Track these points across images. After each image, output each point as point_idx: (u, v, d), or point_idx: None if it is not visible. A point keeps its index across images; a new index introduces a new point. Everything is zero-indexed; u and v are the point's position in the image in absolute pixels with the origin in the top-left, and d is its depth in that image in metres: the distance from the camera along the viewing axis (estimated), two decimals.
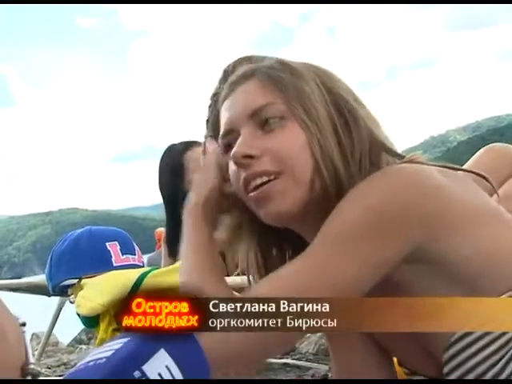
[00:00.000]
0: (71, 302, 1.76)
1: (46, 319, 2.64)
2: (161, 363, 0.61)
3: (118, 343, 0.62)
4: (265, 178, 0.89)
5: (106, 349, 0.62)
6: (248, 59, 1.06)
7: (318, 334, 2.59)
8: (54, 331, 2.93)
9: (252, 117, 0.91)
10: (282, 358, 2.57)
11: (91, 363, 0.60)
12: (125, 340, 0.63)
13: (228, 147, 0.94)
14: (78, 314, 1.67)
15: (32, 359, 0.46)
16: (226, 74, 1.83)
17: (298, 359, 2.55)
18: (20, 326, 0.47)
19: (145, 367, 0.60)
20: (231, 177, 0.94)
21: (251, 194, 0.90)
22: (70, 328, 3.69)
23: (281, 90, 0.92)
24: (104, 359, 0.60)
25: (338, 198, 0.87)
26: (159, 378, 0.60)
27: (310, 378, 2.16)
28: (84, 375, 0.59)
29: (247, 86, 0.94)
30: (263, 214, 0.91)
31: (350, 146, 0.91)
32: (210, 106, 1.86)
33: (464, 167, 1.64)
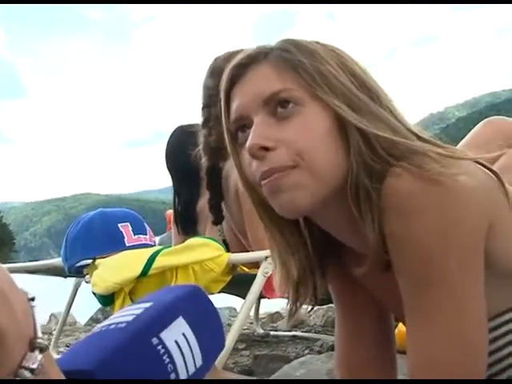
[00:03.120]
0: (87, 282, 1.81)
1: (63, 300, 2.68)
2: (178, 331, 0.60)
3: (139, 308, 0.62)
4: (281, 173, 0.83)
5: (127, 312, 0.62)
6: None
7: (325, 307, 2.64)
8: (71, 312, 2.96)
9: (266, 104, 0.86)
10: (292, 331, 2.62)
11: (112, 326, 0.60)
12: (147, 305, 0.62)
13: (240, 133, 0.90)
14: (94, 293, 1.71)
15: (40, 333, 0.44)
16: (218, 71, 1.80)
17: (306, 331, 2.59)
18: (28, 301, 0.45)
19: (162, 334, 0.59)
20: (246, 166, 0.89)
21: (265, 182, 0.85)
22: (86, 308, 3.73)
23: (298, 73, 0.86)
24: (124, 324, 0.60)
25: (370, 180, 0.82)
26: (175, 345, 0.59)
27: (318, 348, 2.21)
28: (105, 338, 0.59)
29: (260, 70, 0.88)
30: (277, 206, 0.86)
31: (383, 129, 0.84)
32: (208, 93, 1.84)
33: (462, 141, 1.68)
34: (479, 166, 0.86)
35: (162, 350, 0.58)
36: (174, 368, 0.59)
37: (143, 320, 0.60)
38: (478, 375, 0.80)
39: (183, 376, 0.60)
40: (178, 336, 0.60)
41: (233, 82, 0.91)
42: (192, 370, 0.61)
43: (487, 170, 0.87)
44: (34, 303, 0.45)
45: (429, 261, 0.78)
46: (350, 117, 0.83)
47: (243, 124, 0.89)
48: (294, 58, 0.87)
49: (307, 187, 0.83)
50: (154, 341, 0.58)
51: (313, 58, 0.87)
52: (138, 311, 0.61)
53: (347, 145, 0.84)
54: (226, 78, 0.92)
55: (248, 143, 0.85)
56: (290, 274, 0.96)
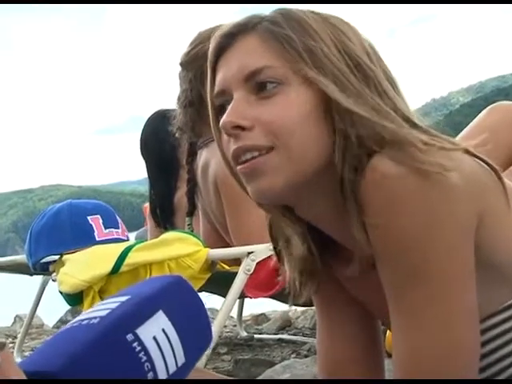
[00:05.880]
0: (53, 280, 1.75)
1: (29, 300, 2.60)
2: (157, 326, 0.58)
3: (116, 301, 0.59)
4: (255, 153, 0.81)
5: (103, 307, 0.59)
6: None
7: (314, 309, 2.60)
8: (38, 313, 2.90)
9: (247, 80, 0.83)
10: (278, 334, 2.57)
11: (85, 322, 0.57)
12: (124, 299, 0.60)
13: (222, 109, 0.87)
14: (61, 292, 1.65)
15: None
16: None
17: (294, 334, 2.54)
18: None
19: (139, 330, 0.56)
20: (224, 146, 0.87)
21: (239, 167, 0.83)
22: (54, 309, 3.65)
23: (285, 48, 0.83)
24: (98, 319, 0.57)
25: (355, 169, 0.79)
26: (153, 342, 0.57)
27: (305, 352, 2.13)
28: (75, 335, 0.56)
29: (246, 42, 0.86)
30: (251, 191, 0.84)
31: (371, 115, 0.81)
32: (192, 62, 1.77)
33: (466, 129, 1.58)
34: (474, 158, 0.83)
35: (138, 348, 0.56)
36: (151, 367, 0.56)
37: (117, 314, 0.57)
38: (469, 377, 0.78)
39: (163, 375, 0.57)
40: (156, 332, 0.58)
41: (219, 52, 0.88)
42: (173, 368, 0.58)
43: (482, 163, 0.84)
44: None
45: (412, 252, 0.76)
46: (336, 95, 0.80)
47: (225, 100, 0.86)
48: (282, 31, 0.84)
49: (282, 172, 0.81)
50: (129, 337, 0.56)
51: (303, 33, 0.83)
52: (114, 305, 0.59)
53: (332, 129, 0.81)
54: (212, 48, 0.89)
55: (222, 120, 0.83)
56: (297, 252, 0.94)
